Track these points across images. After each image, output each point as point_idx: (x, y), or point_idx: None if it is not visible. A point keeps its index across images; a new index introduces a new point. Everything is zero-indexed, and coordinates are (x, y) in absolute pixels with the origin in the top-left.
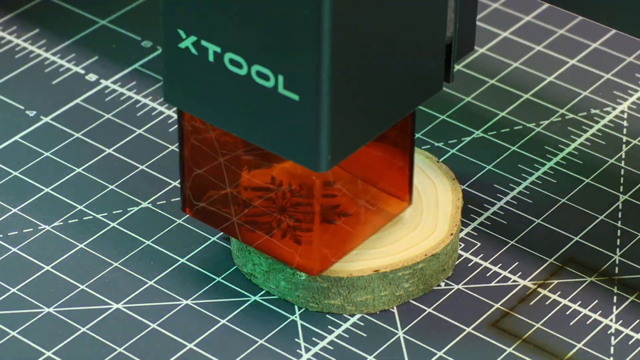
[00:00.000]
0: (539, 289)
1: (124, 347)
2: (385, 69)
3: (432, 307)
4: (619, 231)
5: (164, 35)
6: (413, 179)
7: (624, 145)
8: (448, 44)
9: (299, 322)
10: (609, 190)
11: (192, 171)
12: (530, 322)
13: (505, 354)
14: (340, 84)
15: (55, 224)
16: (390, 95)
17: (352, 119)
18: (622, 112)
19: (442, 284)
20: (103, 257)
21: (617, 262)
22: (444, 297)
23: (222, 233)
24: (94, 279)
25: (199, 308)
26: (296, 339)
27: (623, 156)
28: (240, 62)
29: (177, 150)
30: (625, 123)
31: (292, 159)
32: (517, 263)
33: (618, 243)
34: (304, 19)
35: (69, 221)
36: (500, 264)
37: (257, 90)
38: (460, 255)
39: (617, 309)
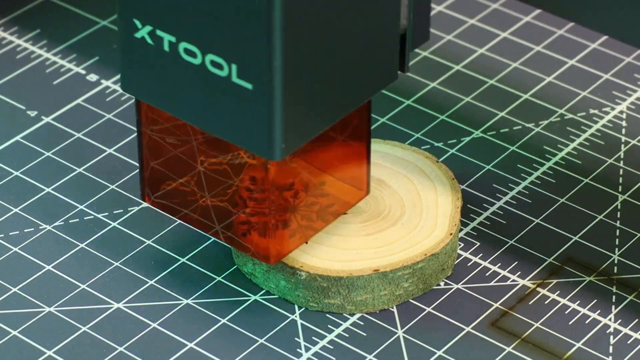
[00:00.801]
0: (538, 289)
1: (124, 346)
2: (338, 58)
3: (432, 307)
4: (617, 231)
5: (120, 24)
6: (370, 169)
7: (622, 146)
8: (402, 33)
9: (299, 321)
10: (608, 190)
11: (150, 161)
12: (529, 321)
13: (504, 353)
14: (293, 73)
15: (56, 223)
16: (344, 84)
17: (306, 108)
18: (621, 112)
19: (442, 283)
20: (104, 257)
21: (615, 261)
22: (444, 297)
23: None
24: (95, 278)
25: (199, 307)
26: (296, 338)
27: (622, 156)
28: (195, 52)
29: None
30: (624, 123)
31: (246, 147)
32: (516, 263)
33: (617, 243)
34: (256, 8)
35: (70, 221)
36: (499, 264)
37: (212, 79)
38: (460, 255)
39: (615, 308)
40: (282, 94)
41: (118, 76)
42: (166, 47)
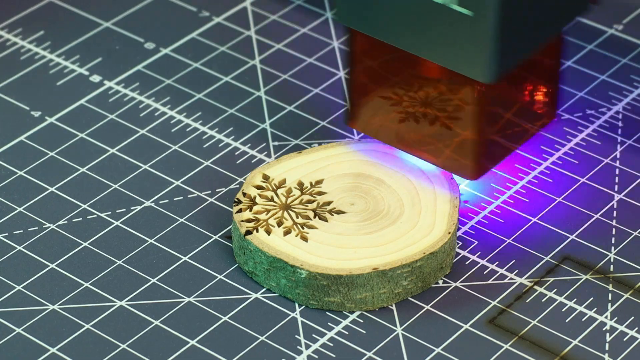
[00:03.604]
0: (535, 287)
1: (127, 343)
2: None
3: (430, 305)
4: (614, 230)
5: None
6: (559, 97)
7: (618, 146)
8: None
9: (300, 319)
10: (604, 189)
11: (359, 87)
12: (527, 319)
13: (502, 350)
14: (510, 1)
15: (60, 222)
16: (546, 14)
17: (516, 34)
18: (617, 112)
19: (440, 281)
20: (107, 255)
21: (612, 260)
22: (442, 295)
23: (224, 232)
24: (98, 276)
25: (201, 305)
26: (296, 336)
27: (618, 156)
28: None
29: (179, 150)
30: (620, 123)
31: (461, 71)
32: (514, 261)
33: (613, 241)
34: None
35: (73, 220)
36: (497, 262)
37: (430, 7)
38: (458, 254)
39: (612, 306)
40: (500, 20)
41: (120, 77)
42: None
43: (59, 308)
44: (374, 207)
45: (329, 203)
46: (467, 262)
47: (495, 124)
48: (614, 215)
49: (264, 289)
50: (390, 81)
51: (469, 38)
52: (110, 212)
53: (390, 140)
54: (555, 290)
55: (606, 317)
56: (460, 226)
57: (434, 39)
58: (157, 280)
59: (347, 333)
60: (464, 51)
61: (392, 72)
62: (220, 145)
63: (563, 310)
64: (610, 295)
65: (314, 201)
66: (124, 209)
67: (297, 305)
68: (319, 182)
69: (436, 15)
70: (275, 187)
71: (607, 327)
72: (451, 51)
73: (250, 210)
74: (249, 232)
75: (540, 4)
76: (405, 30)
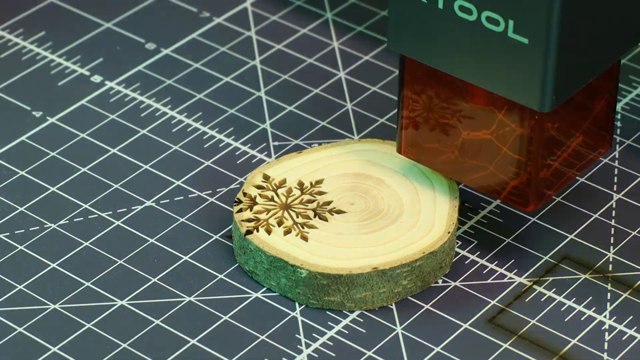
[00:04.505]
0: (535, 286)
1: (128, 342)
2: (602, 15)
3: (430, 304)
4: (612, 229)
5: None
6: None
7: (617, 145)
8: None
9: (300, 318)
10: (603, 189)
11: (411, 115)
12: (526, 318)
13: (501, 349)
14: (568, 27)
15: (61, 222)
16: (606, 39)
17: (575, 61)
18: (616, 112)
19: (440, 281)
20: (108, 255)
21: (610, 259)
22: (442, 294)
23: (224, 231)
24: (99, 276)
25: (201, 305)
26: (297, 335)
27: (617, 156)
28: (470, 9)
29: (180, 150)
30: (619, 124)
31: (517, 100)
32: (513, 260)
33: (612, 241)
34: None
35: (75, 219)
36: (496, 262)
37: (486, 34)
38: (458, 253)
39: (610, 305)
40: (557, 47)
41: (121, 77)
42: (440, 5)
43: (60, 307)
44: (373, 207)
45: (329, 203)
46: (466, 262)
47: (552, 152)
48: (613, 215)
49: (264, 289)
50: (443, 109)
51: (525, 66)
52: (111, 212)
53: (444, 169)
54: (554, 289)
55: (605, 316)
56: (459, 226)
57: (489, 66)
58: (157, 279)
59: (347, 332)
60: (519, 79)
61: (446, 99)
62: (220, 145)
63: (562, 309)
64: (609, 294)
65: (314, 201)
66: (125, 209)
67: (297, 304)
68: (319, 182)
69: (491, 42)
70: (275, 187)
71: (606, 326)
72: (507, 79)
73: (251, 210)
74: (249, 232)
75: (597, 31)
76: (459, 58)
